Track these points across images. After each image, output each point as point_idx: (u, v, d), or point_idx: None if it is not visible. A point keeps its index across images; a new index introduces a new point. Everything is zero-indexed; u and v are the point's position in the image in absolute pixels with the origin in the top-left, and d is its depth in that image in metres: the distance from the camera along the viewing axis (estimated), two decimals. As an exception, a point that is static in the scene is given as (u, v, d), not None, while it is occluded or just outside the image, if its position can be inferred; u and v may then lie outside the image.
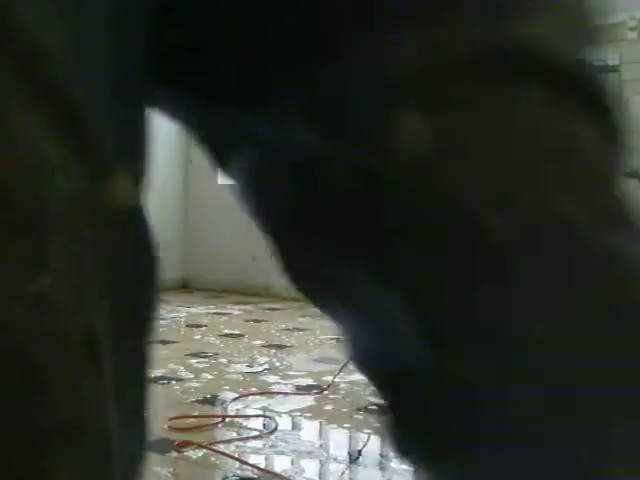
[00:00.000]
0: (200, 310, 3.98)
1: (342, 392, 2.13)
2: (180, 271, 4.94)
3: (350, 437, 1.75)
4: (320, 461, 1.59)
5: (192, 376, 2.35)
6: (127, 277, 0.36)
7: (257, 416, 1.91)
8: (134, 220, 0.37)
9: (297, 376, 2.37)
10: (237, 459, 1.57)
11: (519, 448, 0.43)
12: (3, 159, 0.30)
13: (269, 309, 4.05)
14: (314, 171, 0.44)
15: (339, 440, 1.74)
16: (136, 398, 0.40)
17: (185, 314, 3.80)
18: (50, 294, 0.31)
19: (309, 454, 1.63)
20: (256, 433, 1.78)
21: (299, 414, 1.93)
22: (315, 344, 2.97)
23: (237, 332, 3.27)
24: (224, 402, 2.03)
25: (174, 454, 1.61)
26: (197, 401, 2.04)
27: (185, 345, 2.91)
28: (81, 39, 0.33)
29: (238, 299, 4.43)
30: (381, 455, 1.63)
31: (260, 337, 3.14)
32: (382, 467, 1.56)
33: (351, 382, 2.20)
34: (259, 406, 2.00)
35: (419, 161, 0.41)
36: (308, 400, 2.07)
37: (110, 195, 0.34)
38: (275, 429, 1.79)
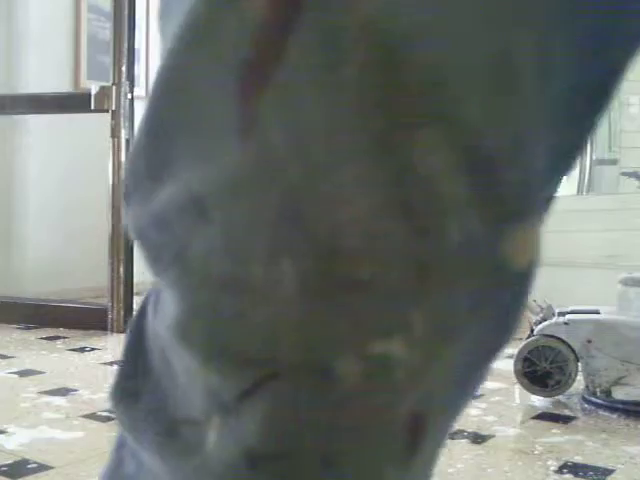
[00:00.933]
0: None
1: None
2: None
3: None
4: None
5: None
6: (490, 329, 0.31)
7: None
8: (528, 279, 0.31)
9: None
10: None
11: None
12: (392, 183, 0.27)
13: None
14: None
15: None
16: (434, 462, 0.37)
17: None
18: (396, 360, 0.28)
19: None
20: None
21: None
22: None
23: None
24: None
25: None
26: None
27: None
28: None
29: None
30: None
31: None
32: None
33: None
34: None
35: None
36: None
37: (512, 250, 0.29)
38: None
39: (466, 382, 0.32)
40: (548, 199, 0.37)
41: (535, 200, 0.30)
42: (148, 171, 0.32)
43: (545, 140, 0.32)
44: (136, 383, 0.36)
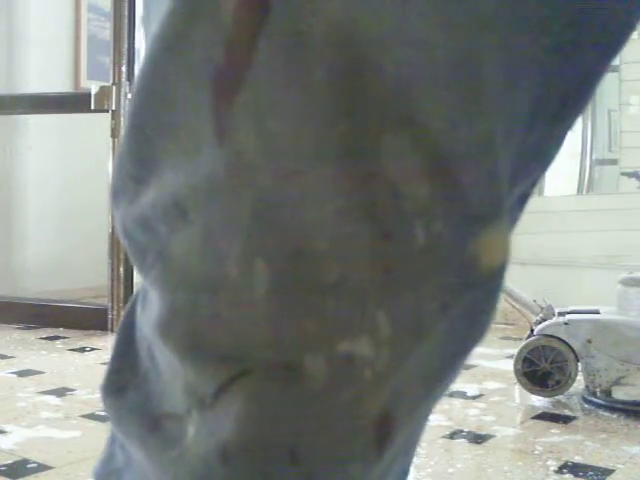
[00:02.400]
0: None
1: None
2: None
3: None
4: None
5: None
6: (462, 328, 0.32)
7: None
8: (498, 279, 0.31)
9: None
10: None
11: None
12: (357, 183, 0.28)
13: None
14: None
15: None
16: (409, 461, 0.38)
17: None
18: (363, 360, 0.29)
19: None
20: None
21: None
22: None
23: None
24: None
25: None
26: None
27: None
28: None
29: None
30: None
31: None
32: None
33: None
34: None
35: None
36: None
37: (480, 251, 0.29)
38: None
39: (437, 380, 0.33)
40: (523, 198, 0.38)
41: (502, 202, 0.30)
42: (133, 173, 0.33)
43: (514, 142, 0.32)
44: (124, 378, 0.37)
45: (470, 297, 0.30)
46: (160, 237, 0.31)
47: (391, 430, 0.31)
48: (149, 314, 0.34)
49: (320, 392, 0.29)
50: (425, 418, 0.35)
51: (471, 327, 0.32)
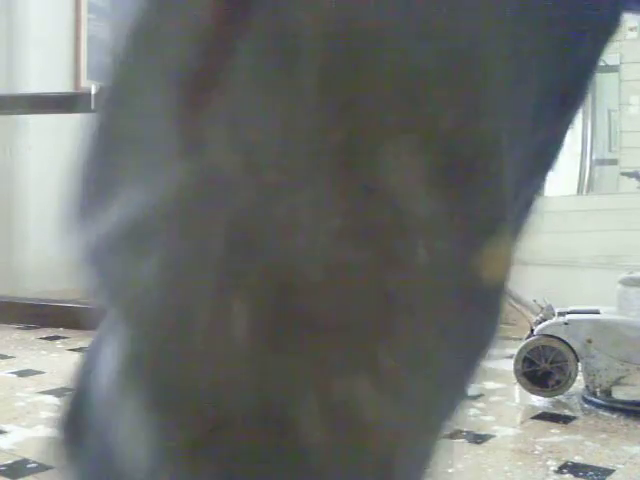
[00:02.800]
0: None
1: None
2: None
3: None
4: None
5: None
6: (467, 347, 0.29)
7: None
8: (500, 294, 0.29)
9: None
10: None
11: None
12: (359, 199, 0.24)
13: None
14: None
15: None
16: None
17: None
18: (362, 399, 0.25)
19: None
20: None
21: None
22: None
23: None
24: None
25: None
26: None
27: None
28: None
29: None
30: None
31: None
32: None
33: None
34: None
35: None
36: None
37: (483, 267, 0.27)
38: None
39: (437, 404, 0.30)
40: (527, 203, 0.35)
41: (505, 211, 0.28)
42: (97, 187, 0.29)
43: (519, 144, 0.30)
44: (82, 426, 0.32)
45: (472, 317, 0.28)
46: (123, 264, 0.27)
47: (394, 475, 0.27)
48: (111, 356, 0.28)
49: (315, 442, 0.25)
50: (428, 453, 0.31)
51: (473, 347, 0.30)
